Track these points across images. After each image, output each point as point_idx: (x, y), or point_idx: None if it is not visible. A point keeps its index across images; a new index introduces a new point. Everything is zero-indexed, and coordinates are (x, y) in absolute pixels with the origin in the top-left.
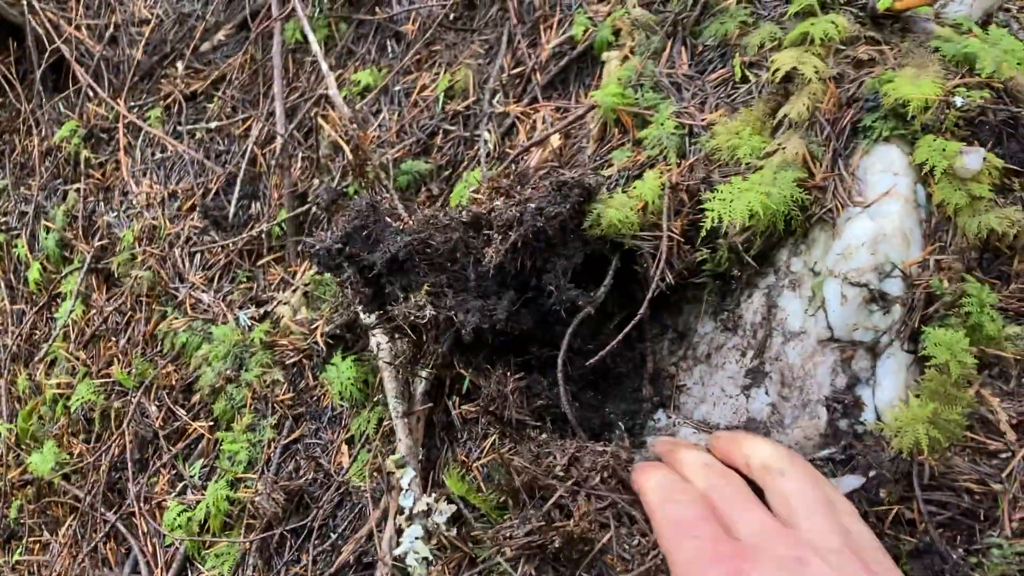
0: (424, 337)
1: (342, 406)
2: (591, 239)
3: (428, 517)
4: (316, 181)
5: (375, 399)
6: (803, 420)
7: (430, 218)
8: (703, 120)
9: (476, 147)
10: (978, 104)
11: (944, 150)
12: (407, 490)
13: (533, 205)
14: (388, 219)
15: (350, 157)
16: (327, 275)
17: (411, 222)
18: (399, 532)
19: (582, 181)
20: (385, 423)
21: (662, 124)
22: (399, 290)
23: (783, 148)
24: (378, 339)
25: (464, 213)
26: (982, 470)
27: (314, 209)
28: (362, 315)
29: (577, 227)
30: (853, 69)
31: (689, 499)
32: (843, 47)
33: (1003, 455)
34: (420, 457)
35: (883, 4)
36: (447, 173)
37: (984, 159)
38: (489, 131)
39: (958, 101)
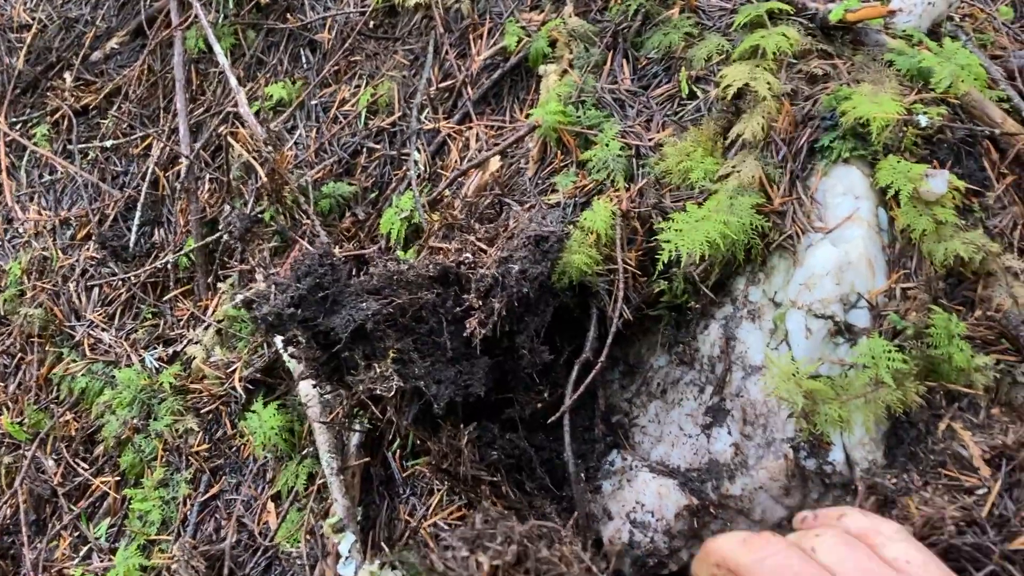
0: (383, 403)
1: (266, 458)
2: (560, 291)
3: None
4: (227, 207)
5: (303, 450)
6: (768, 460)
7: (394, 273)
8: (650, 140)
9: (405, 168)
10: (938, 122)
11: (908, 172)
12: (347, 557)
13: (516, 267)
14: (345, 276)
15: (265, 180)
16: (274, 338)
17: (370, 276)
18: None
19: (560, 235)
20: (317, 479)
21: (607, 145)
22: (360, 357)
23: (738, 171)
24: (307, 389)
25: (431, 267)
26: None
27: (226, 237)
28: (308, 378)
29: (548, 280)
30: (807, 85)
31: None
32: (795, 61)
33: (979, 491)
34: (358, 517)
35: (835, 15)
36: (373, 196)
37: (948, 181)
38: (419, 150)
39: (922, 120)
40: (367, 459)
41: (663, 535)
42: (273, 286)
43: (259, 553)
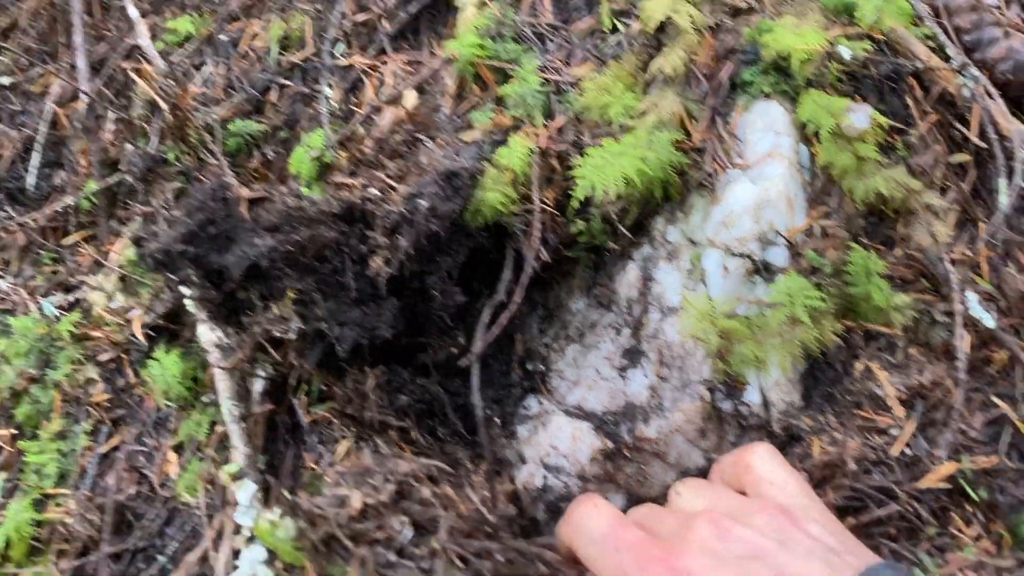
0: (285, 347)
1: (168, 407)
2: (474, 231)
3: (272, 536)
4: (129, 146)
5: (207, 398)
6: (684, 403)
7: (293, 209)
8: (570, 75)
9: (317, 105)
10: (862, 57)
11: (829, 108)
12: (246, 506)
13: (425, 203)
14: (239, 211)
15: (168, 118)
16: (164, 276)
17: (268, 212)
18: (236, 555)
19: (473, 171)
20: (219, 427)
21: (526, 80)
22: (257, 298)
23: (657, 106)
24: (208, 334)
25: (334, 203)
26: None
27: (128, 178)
28: (204, 319)
29: (461, 219)
30: (730, 18)
31: (603, 515)
32: None
33: (893, 431)
34: (261, 466)
35: None
36: (284, 135)
37: (871, 117)
38: (331, 86)
39: (845, 54)
40: (271, 406)
41: (577, 479)
42: (163, 222)
43: (159, 504)
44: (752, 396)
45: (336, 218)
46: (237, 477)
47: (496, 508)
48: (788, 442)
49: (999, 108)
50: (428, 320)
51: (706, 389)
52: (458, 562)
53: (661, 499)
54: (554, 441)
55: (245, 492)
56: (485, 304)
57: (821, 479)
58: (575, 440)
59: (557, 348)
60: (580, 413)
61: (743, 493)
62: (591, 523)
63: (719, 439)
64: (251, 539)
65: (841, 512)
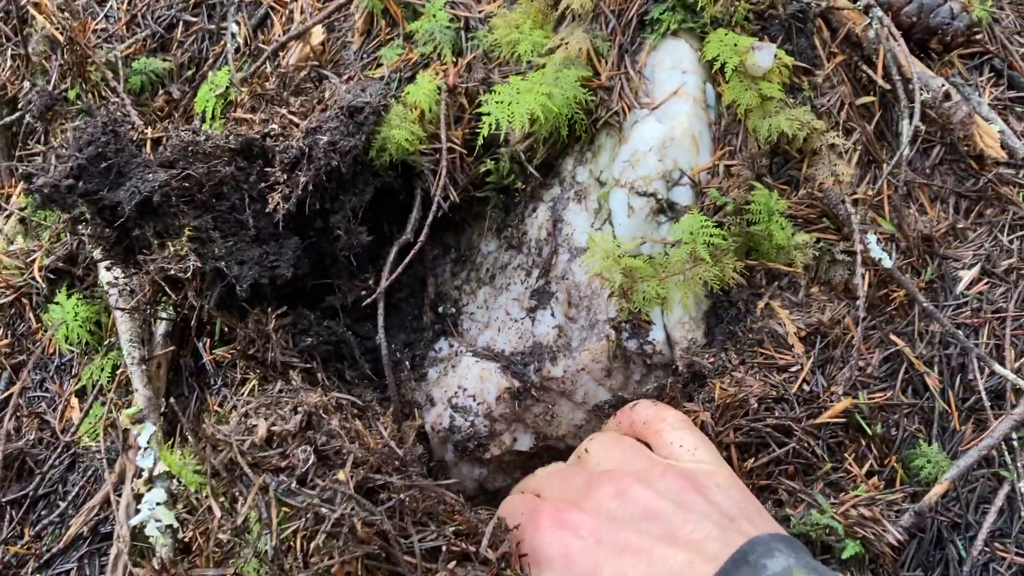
0: (185, 288)
1: (71, 352)
2: (381, 170)
3: (172, 478)
4: (27, 83)
5: (109, 343)
6: (590, 342)
7: (189, 144)
8: (480, 12)
9: (223, 42)
10: None
11: (735, 46)
12: (146, 448)
13: (324, 139)
14: (131, 146)
15: (67, 55)
16: (55, 212)
17: (164, 147)
18: (138, 498)
19: (376, 107)
20: (121, 371)
21: (434, 16)
22: (152, 235)
23: (566, 44)
24: (109, 275)
25: (232, 138)
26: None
27: (27, 118)
28: (99, 256)
29: (366, 157)
30: None
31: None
32: None
33: (793, 368)
34: (163, 409)
35: None
36: (189, 72)
37: (775, 56)
38: (238, 23)
39: None
40: (174, 348)
41: (484, 419)
42: (52, 157)
43: (61, 450)
44: (656, 335)
45: (234, 153)
46: (137, 420)
47: (404, 444)
48: (692, 380)
49: (902, 50)
50: (335, 261)
51: (612, 328)
52: (361, 496)
53: (569, 438)
54: (462, 382)
55: (145, 434)
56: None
57: (723, 419)
58: (482, 380)
59: (468, 291)
60: (489, 354)
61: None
62: (509, 514)
63: (625, 378)
64: (151, 481)
65: (742, 450)
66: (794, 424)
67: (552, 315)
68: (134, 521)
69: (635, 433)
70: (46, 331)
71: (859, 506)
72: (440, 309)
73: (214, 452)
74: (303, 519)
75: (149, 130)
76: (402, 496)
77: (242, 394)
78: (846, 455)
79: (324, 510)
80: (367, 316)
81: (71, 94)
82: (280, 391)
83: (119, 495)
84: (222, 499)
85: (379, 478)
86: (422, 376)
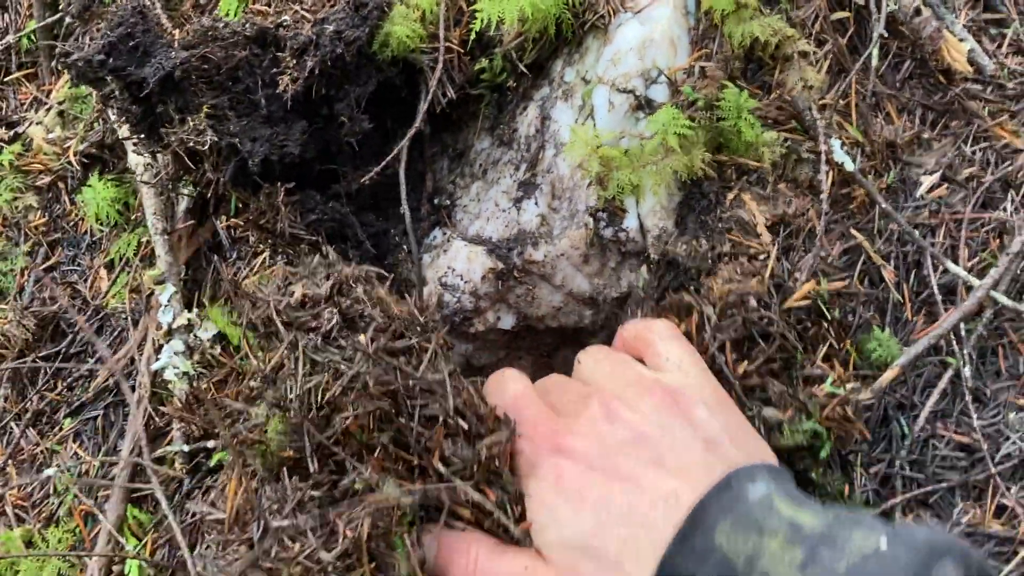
0: (203, 163)
1: (101, 231)
2: (383, 64)
3: (190, 332)
4: None
5: (136, 220)
6: (571, 230)
7: (208, 30)
8: None
9: None
10: None
11: None
12: (166, 306)
13: (331, 28)
14: (157, 28)
15: None
16: (85, 88)
17: (185, 33)
18: (158, 349)
19: (380, 3)
20: (146, 245)
21: None
22: (174, 111)
23: None
24: (136, 157)
25: (247, 26)
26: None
27: (67, 19)
28: (126, 134)
29: (370, 49)
30: None
31: (511, 386)
32: None
33: (761, 256)
34: (183, 275)
35: None
36: None
37: None
38: None
39: None
40: (193, 223)
41: (470, 296)
42: (87, 38)
43: (90, 314)
44: (630, 222)
45: (249, 40)
46: (159, 281)
47: (427, 311)
48: (666, 270)
49: None
50: (340, 150)
51: (590, 216)
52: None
53: (548, 318)
54: (452, 263)
55: (166, 294)
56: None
57: (720, 318)
58: (470, 261)
59: (463, 184)
60: (478, 240)
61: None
62: (502, 391)
63: (601, 265)
64: (170, 334)
65: (734, 348)
66: (773, 314)
67: (536, 204)
68: (155, 366)
69: (628, 350)
70: (79, 211)
71: (836, 407)
72: (436, 201)
73: (253, 308)
74: (324, 374)
75: (177, 32)
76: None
77: (253, 266)
78: (809, 338)
79: (343, 367)
80: (370, 207)
81: None
82: (318, 263)
83: (142, 350)
84: (256, 351)
85: (400, 344)
86: (417, 260)
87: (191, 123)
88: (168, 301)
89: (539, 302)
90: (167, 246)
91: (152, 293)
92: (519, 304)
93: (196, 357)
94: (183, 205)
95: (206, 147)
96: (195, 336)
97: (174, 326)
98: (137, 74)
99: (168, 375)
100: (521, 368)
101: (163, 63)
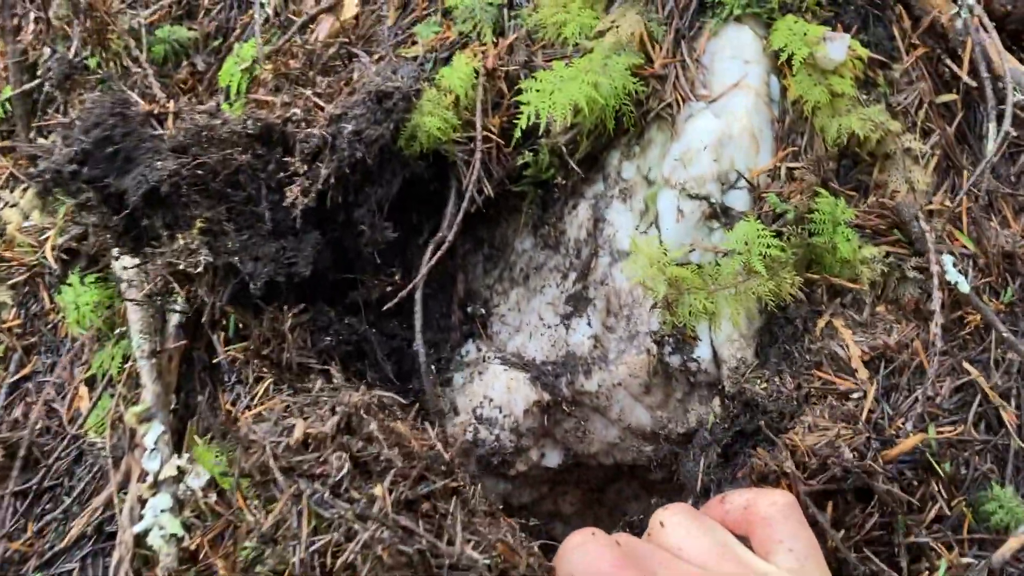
0: (197, 286)
1: (81, 336)
2: (410, 160)
3: (179, 482)
4: (47, 50)
5: (121, 331)
6: (629, 355)
7: (203, 129)
8: None
9: (251, 11)
10: None
11: (805, 35)
12: (152, 450)
13: (349, 127)
14: (141, 128)
15: (88, 21)
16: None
17: (177, 131)
18: (142, 502)
19: (407, 92)
20: (131, 362)
21: None
22: (161, 227)
23: (617, 26)
24: (120, 262)
25: (250, 123)
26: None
27: (46, 85)
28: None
29: (394, 146)
30: None
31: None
32: None
33: (855, 395)
34: (174, 405)
35: None
36: (216, 43)
37: (849, 47)
38: None
39: None
40: (186, 342)
41: (510, 432)
42: (59, 139)
43: (68, 442)
44: (702, 351)
45: (252, 139)
46: (144, 419)
47: (452, 447)
48: (743, 411)
49: (994, 43)
50: (358, 256)
51: (653, 342)
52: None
53: (601, 455)
54: (488, 391)
55: (152, 434)
56: (427, 240)
57: (809, 473)
58: (510, 391)
59: (500, 290)
60: (518, 362)
61: (742, 535)
62: (591, 565)
63: (666, 396)
64: (156, 486)
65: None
66: (873, 464)
67: (588, 323)
68: (137, 528)
69: (728, 520)
70: (59, 313)
71: None
72: (469, 309)
73: (246, 454)
74: (334, 533)
75: (171, 104)
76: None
77: (256, 393)
78: (914, 496)
79: (356, 527)
80: (391, 313)
81: (92, 62)
82: (321, 389)
83: (124, 495)
84: (253, 502)
85: (422, 488)
86: (447, 381)
87: (182, 241)
88: (155, 444)
89: (591, 437)
90: (155, 372)
91: (135, 429)
92: (567, 439)
93: (188, 510)
94: (174, 321)
95: (199, 269)
96: (186, 487)
97: (161, 477)
98: (117, 185)
99: (153, 538)
100: (569, 506)
101: (147, 175)
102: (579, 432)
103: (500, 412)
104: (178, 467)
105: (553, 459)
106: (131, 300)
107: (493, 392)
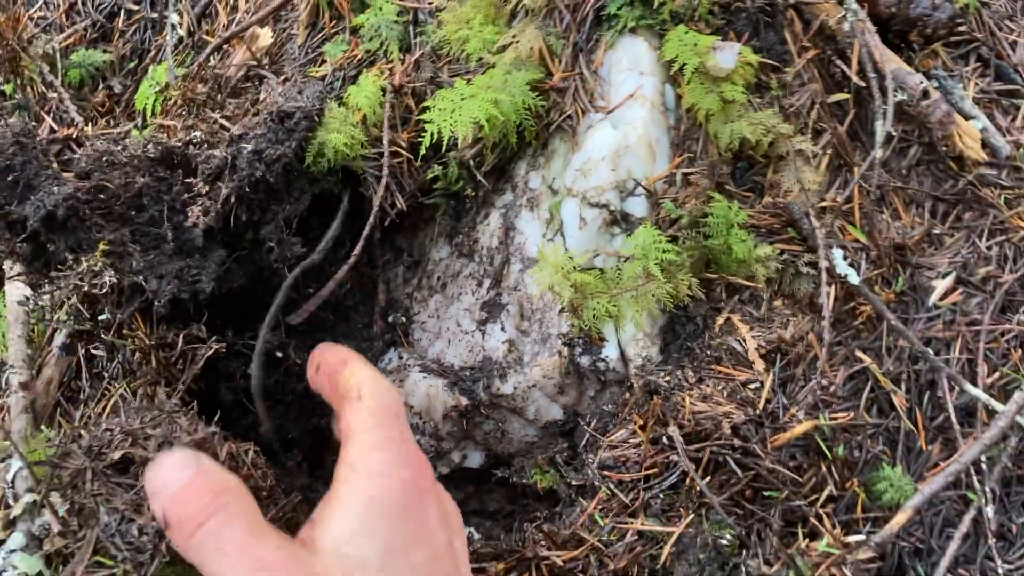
0: (102, 306)
1: (3, 362)
2: (319, 176)
3: (34, 519)
4: None
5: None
6: (542, 357)
7: (103, 154)
8: (430, 4)
9: (165, 33)
10: None
11: (696, 45)
12: (8, 488)
13: (249, 147)
14: (42, 156)
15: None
16: None
17: (79, 158)
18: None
19: (310, 112)
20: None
21: (381, 9)
22: (65, 250)
23: (517, 42)
24: (15, 292)
25: (151, 147)
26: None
27: None
28: (17, 271)
29: (301, 164)
30: None
31: None
32: None
33: (752, 386)
34: (40, 437)
35: None
36: (131, 65)
37: (739, 54)
38: (180, 13)
39: None
40: (72, 359)
41: (430, 437)
42: None
43: None
44: (610, 352)
45: (153, 163)
46: (3, 458)
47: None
48: (647, 398)
49: (877, 44)
50: (273, 273)
51: (564, 344)
52: None
53: (521, 455)
54: (409, 399)
55: (11, 471)
56: (347, 253)
57: (689, 443)
58: (430, 398)
59: (420, 298)
60: (437, 369)
61: None
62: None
63: (579, 394)
64: (12, 524)
65: (707, 470)
66: (758, 447)
67: (503, 328)
68: None
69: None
70: None
71: (831, 566)
72: (390, 318)
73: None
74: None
75: (89, 127)
76: None
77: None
78: (806, 481)
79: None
80: (316, 323)
81: (7, 88)
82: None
83: None
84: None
85: None
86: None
87: (86, 264)
88: (12, 482)
89: (510, 437)
90: (21, 405)
91: None
92: (488, 441)
93: (47, 546)
94: (60, 338)
95: (104, 289)
96: (44, 522)
97: (14, 514)
98: (18, 212)
99: None
100: (495, 503)
101: (44, 200)
102: (498, 433)
103: (420, 419)
104: (34, 499)
105: (475, 460)
106: (23, 321)
107: (413, 400)
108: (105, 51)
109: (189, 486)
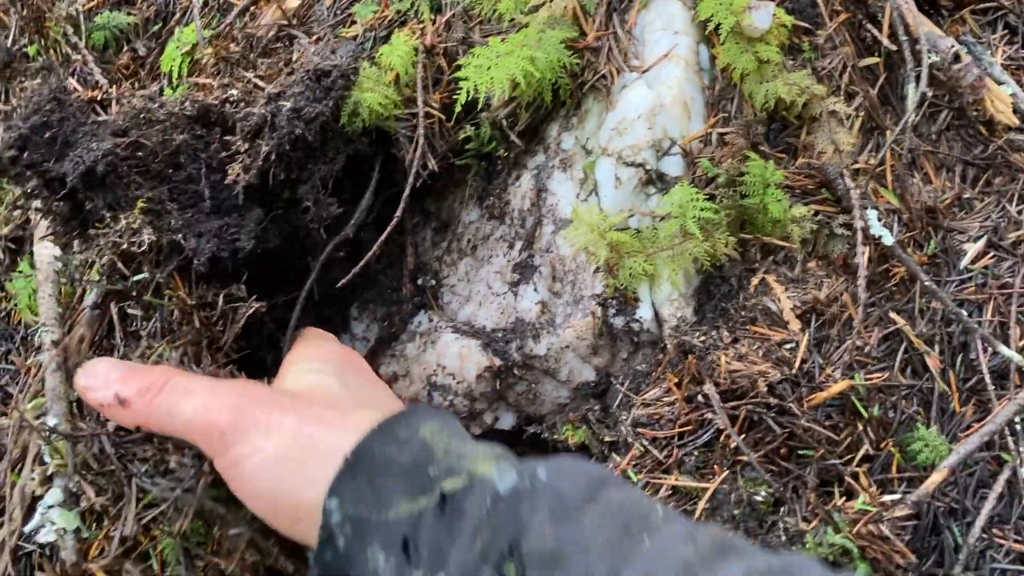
0: (141, 265)
1: (35, 322)
2: (353, 136)
3: (76, 474)
4: None
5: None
6: (575, 318)
7: (141, 111)
8: None
9: None
10: None
11: (731, 4)
12: (44, 444)
13: (288, 105)
14: (79, 114)
15: (25, 8)
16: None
17: (116, 116)
18: (34, 499)
19: (346, 70)
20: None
21: None
22: (103, 208)
23: (551, 1)
24: (44, 252)
25: (188, 104)
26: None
27: None
28: (45, 231)
29: (336, 123)
30: None
31: None
32: None
33: (788, 346)
34: (72, 398)
35: None
36: (156, 27)
37: (773, 15)
38: None
39: None
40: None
41: (463, 398)
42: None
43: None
44: (644, 312)
45: (191, 121)
46: (39, 415)
47: None
48: (682, 357)
49: (909, 7)
50: (308, 233)
51: (598, 305)
52: None
53: (553, 416)
54: (441, 360)
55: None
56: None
57: (726, 401)
58: (462, 358)
59: (449, 261)
60: (469, 330)
61: None
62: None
63: (612, 356)
64: (48, 480)
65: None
66: (794, 406)
67: (535, 290)
68: (28, 528)
69: None
70: (11, 300)
71: (868, 523)
72: (420, 281)
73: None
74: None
75: (113, 89)
76: None
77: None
78: (839, 439)
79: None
80: (344, 287)
81: (31, 50)
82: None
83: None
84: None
85: None
86: (400, 352)
87: (124, 221)
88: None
89: (542, 399)
90: (55, 363)
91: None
92: (520, 402)
93: (84, 503)
94: (91, 298)
95: (143, 249)
96: (80, 477)
97: (51, 470)
98: (56, 169)
99: (43, 536)
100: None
101: (83, 156)
102: (530, 395)
103: (453, 379)
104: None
105: (507, 421)
106: (53, 281)
107: (446, 360)
108: (129, 13)
109: (133, 369)
